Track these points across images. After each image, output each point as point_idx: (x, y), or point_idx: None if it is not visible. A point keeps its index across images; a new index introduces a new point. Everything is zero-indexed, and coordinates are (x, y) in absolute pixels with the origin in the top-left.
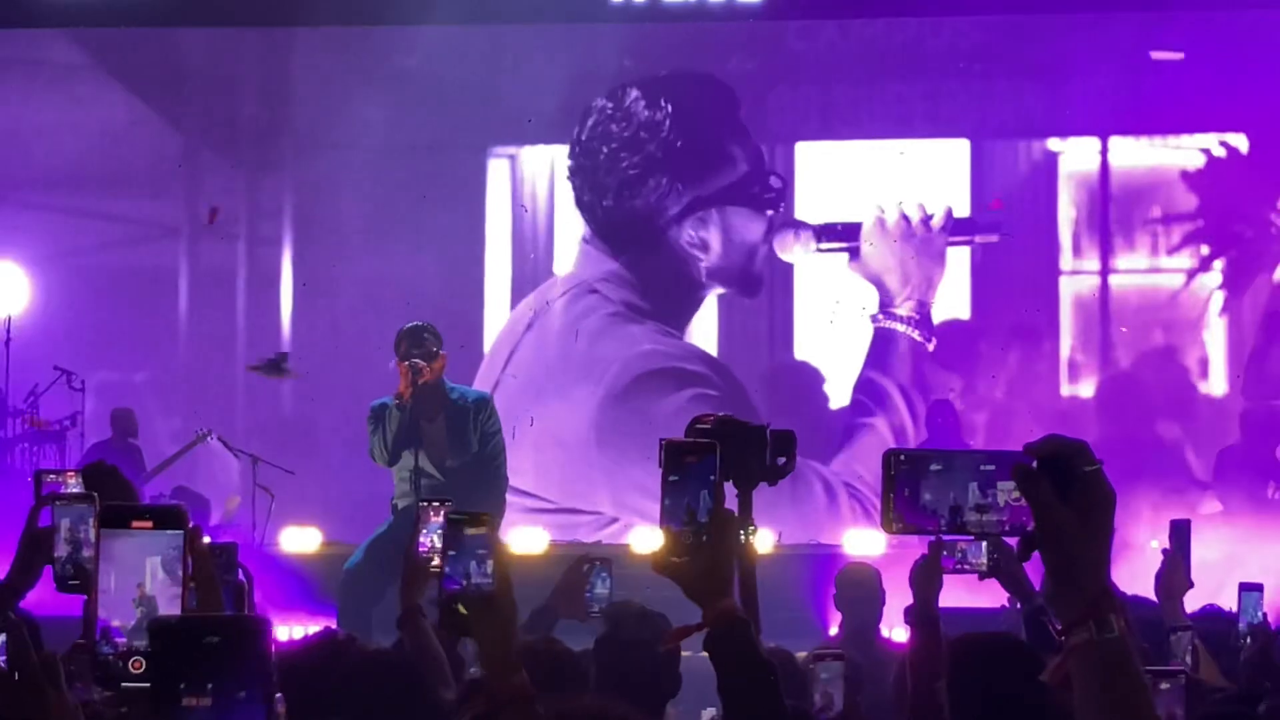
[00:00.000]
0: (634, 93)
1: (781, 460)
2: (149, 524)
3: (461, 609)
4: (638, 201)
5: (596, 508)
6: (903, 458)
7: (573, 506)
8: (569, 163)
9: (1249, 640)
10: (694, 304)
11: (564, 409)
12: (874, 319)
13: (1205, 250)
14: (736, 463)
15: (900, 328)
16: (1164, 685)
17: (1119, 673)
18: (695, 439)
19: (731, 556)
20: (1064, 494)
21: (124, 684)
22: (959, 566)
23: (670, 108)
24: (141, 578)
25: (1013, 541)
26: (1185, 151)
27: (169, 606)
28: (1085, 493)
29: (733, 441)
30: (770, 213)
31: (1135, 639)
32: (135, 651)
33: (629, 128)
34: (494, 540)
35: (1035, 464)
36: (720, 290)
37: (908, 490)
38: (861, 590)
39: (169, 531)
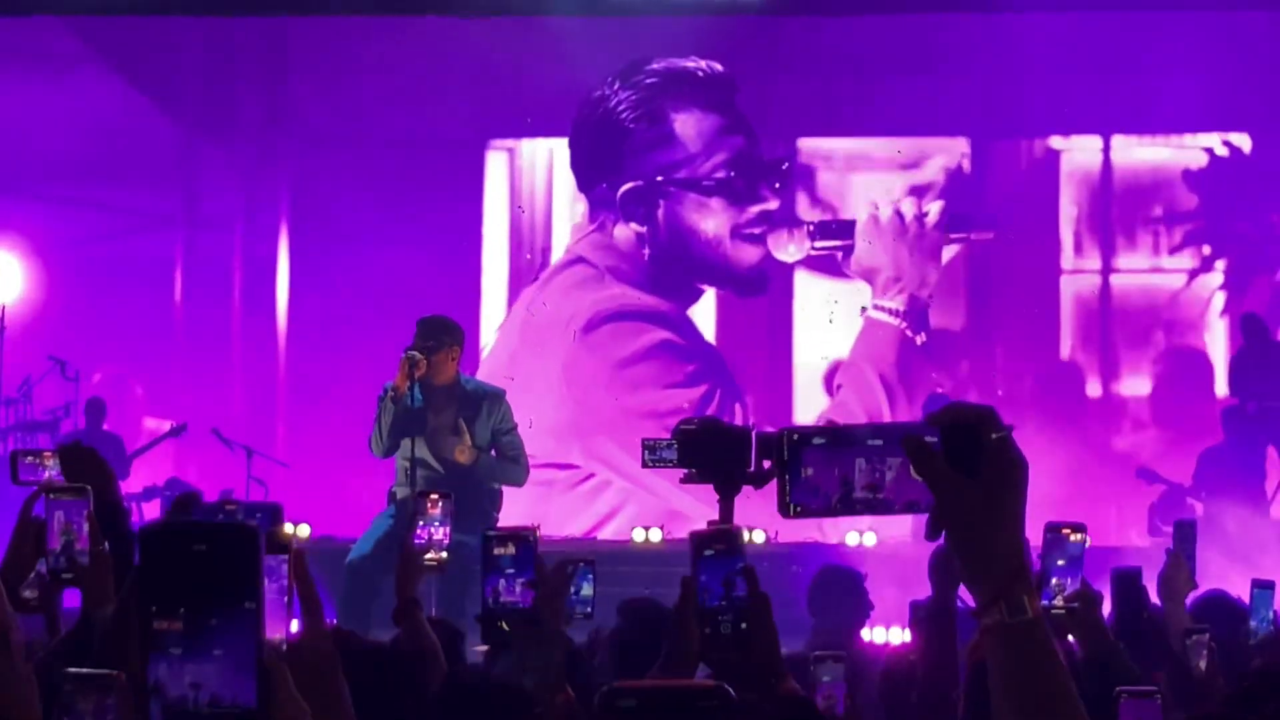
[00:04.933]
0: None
1: (768, 465)
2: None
3: (504, 626)
4: (615, 176)
5: (568, 459)
6: (795, 436)
7: (547, 461)
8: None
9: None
10: (687, 295)
11: (536, 361)
12: (863, 310)
13: (1207, 250)
14: (719, 468)
15: (888, 319)
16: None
17: (1032, 657)
18: (716, 528)
19: (775, 635)
20: (972, 465)
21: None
22: None
23: (643, 83)
24: None
25: (924, 518)
26: (1188, 150)
27: None
28: (993, 463)
29: (714, 444)
30: (754, 208)
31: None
32: None
33: (604, 99)
34: (537, 560)
35: (939, 436)
36: (710, 288)
37: (802, 470)
38: (835, 593)
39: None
